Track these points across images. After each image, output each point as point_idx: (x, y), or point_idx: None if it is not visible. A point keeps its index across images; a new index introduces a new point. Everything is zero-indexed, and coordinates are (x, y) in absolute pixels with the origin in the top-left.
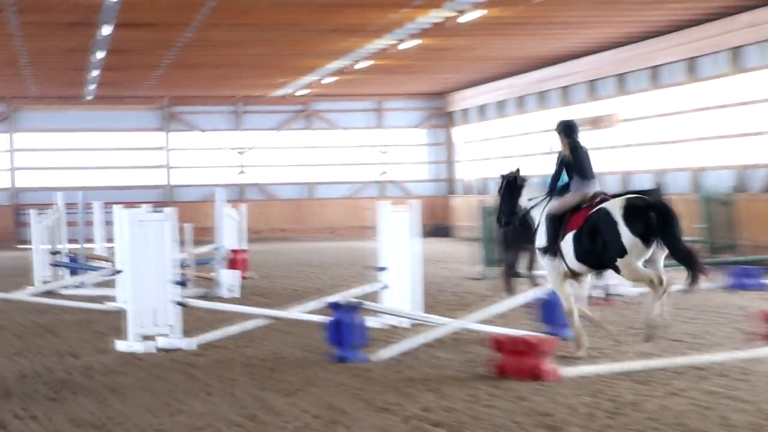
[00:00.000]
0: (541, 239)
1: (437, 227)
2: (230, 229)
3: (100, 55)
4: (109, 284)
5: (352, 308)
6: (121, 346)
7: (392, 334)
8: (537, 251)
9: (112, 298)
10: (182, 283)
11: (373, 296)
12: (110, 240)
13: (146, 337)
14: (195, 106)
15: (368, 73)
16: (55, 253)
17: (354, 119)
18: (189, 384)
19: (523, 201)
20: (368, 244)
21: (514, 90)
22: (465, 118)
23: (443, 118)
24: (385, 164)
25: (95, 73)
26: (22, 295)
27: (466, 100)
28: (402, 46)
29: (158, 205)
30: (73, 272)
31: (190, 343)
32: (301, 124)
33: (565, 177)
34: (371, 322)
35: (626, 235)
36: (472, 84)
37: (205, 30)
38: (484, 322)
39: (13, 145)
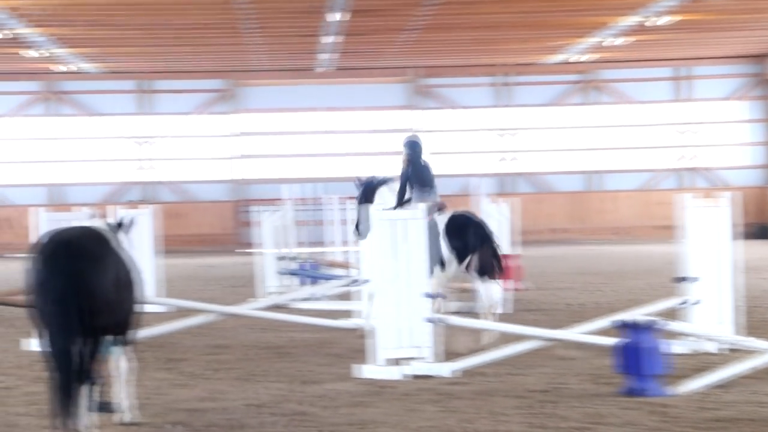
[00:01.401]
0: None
1: (762, 227)
2: (498, 230)
3: (335, 16)
4: (350, 296)
5: (650, 329)
6: (364, 371)
7: (701, 361)
8: None
9: (353, 314)
10: (434, 296)
11: (677, 313)
12: (347, 242)
13: (395, 361)
14: (450, 77)
15: (669, 31)
16: (283, 258)
17: (649, 90)
18: (447, 419)
19: (374, 209)
20: (669, 248)
21: None
22: None
23: (766, 87)
24: (690, 147)
25: (330, 39)
26: (247, 309)
27: None
28: None
29: None
30: (304, 281)
31: (448, 369)
32: (581, 98)
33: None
34: (675, 346)
35: (445, 248)
36: None
37: None
38: None
39: (235, 128)
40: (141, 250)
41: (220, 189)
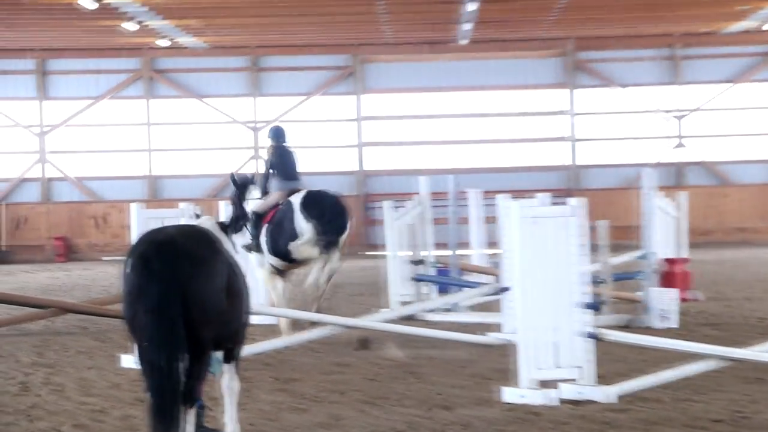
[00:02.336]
0: (246, 237)
1: None
2: (664, 229)
3: None
4: (493, 307)
5: None
6: (509, 395)
7: None
8: (243, 249)
9: (495, 327)
10: (595, 307)
11: None
12: (493, 244)
13: (545, 384)
14: (610, 50)
15: None
16: (417, 262)
17: None
18: None
19: (248, 204)
20: None
21: None
22: None
23: None
24: None
25: (471, 7)
26: (373, 321)
27: None
28: None
29: (560, 193)
30: (443, 289)
31: (607, 394)
32: (767, 73)
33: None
34: None
35: (301, 220)
36: None
37: None
38: None
39: (360, 110)
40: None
41: (341, 181)
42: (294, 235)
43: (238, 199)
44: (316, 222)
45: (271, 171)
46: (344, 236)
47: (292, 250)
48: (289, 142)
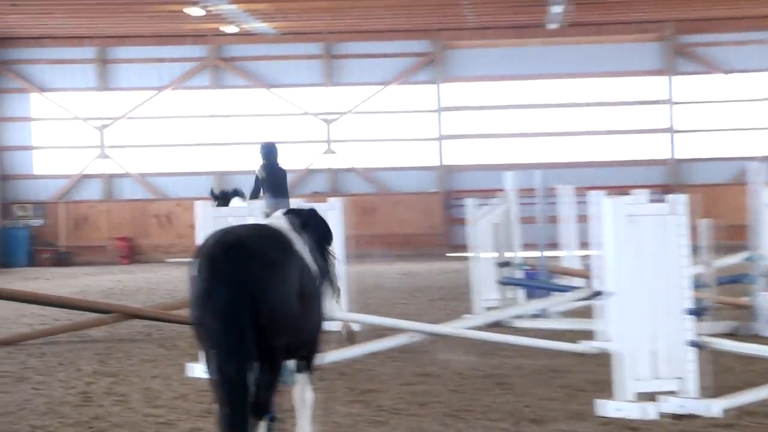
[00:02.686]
0: None
1: None
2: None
3: None
4: (586, 313)
5: None
6: (604, 407)
7: None
8: None
9: (589, 335)
10: (698, 313)
11: None
12: (585, 245)
13: (643, 396)
14: (714, 34)
15: None
16: (503, 264)
17: None
18: None
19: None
20: None
21: None
22: None
23: None
24: None
25: None
26: (458, 328)
27: None
28: None
29: (659, 190)
30: (531, 294)
31: (711, 407)
32: None
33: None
34: None
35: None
36: None
37: None
38: None
39: (441, 100)
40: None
41: (423, 177)
42: None
43: None
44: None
45: (260, 187)
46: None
47: None
48: (280, 160)
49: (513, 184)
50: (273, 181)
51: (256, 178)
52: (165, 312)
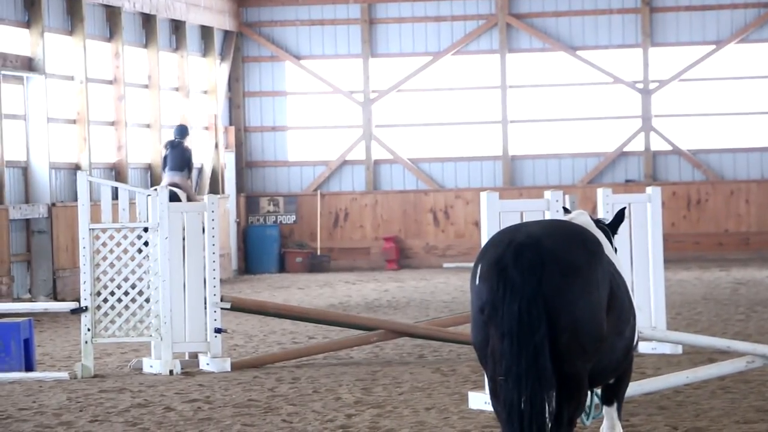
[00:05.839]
0: None
1: None
2: None
3: None
4: None
5: None
6: None
7: None
8: None
9: None
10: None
11: None
12: None
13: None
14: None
15: None
16: None
17: None
18: None
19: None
20: None
21: None
22: None
23: None
24: None
25: None
26: None
27: None
28: None
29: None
30: None
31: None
32: None
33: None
34: None
35: None
36: None
37: None
38: None
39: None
40: (637, 256)
41: (765, 162)
42: None
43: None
44: None
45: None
46: None
47: None
48: (186, 139)
49: None
50: (172, 157)
51: (163, 155)
52: (441, 329)
